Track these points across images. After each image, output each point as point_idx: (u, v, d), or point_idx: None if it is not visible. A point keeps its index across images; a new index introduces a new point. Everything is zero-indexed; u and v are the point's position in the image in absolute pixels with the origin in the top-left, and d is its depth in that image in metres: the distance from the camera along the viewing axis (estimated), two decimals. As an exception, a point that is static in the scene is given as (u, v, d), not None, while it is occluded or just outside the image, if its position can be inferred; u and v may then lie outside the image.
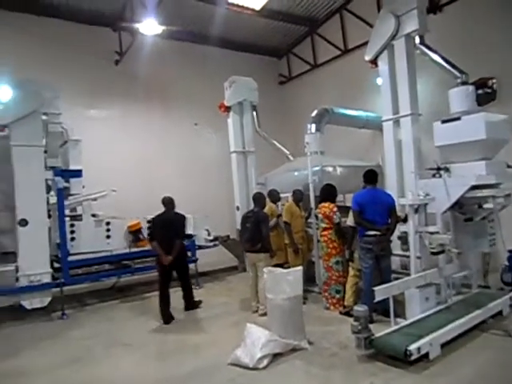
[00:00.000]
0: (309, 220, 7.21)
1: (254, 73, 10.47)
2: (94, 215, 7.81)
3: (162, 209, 6.56)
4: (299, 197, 7.19)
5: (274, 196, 7.63)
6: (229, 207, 9.85)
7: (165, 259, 6.14)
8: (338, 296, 6.20)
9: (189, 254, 7.62)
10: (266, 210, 6.88)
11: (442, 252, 5.07)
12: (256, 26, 12.37)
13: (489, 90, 7.25)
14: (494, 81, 7.43)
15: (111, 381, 4.36)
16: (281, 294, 4.79)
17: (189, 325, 6.02)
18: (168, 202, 6.56)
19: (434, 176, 5.54)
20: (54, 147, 7.20)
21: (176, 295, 6.62)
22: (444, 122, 5.57)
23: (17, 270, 6.38)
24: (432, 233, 5.10)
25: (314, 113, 9.01)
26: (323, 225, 6.38)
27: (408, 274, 5.42)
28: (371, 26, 9.42)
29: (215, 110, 9.70)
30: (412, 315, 5.02)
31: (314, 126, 8.77)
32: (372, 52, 6.81)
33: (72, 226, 7.31)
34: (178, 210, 6.72)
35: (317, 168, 7.34)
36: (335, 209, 6.32)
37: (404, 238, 5.73)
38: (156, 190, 10.57)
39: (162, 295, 6.25)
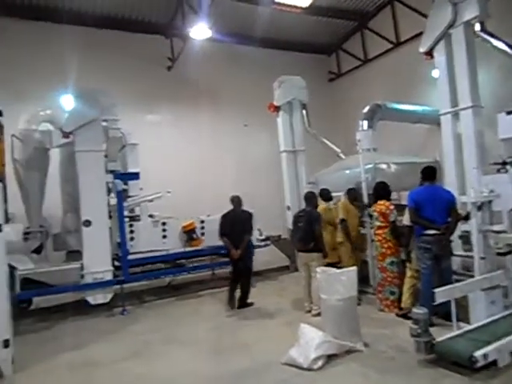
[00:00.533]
0: (361, 219, 7.04)
1: (302, 71, 10.41)
2: (151, 216, 8.14)
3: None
4: (354, 195, 7.04)
5: (326, 195, 7.52)
6: (279, 207, 9.85)
7: (234, 253, 6.66)
8: (392, 298, 5.99)
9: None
10: (318, 209, 6.80)
11: (510, 253, 4.73)
12: (303, 23, 12.28)
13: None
14: None
15: (168, 376, 4.50)
16: (335, 294, 4.72)
17: (242, 323, 6.09)
18: (236, 201, 7.00)
19: (498, 171, 5.18)
20: (113, 152, 7.58)
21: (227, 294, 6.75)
22: (509, 113, 5.19)
23: (82, 268, 6.78)
24: (498, 232, 4.77)
25: (366, 109, 8.78)
26: (378, 223, 6.19)
27: (470, 276, 5.12)
28: (425, 16, 9.00)
29: (264, 110, 9.74)
30: (476, 319, 4.72)
31: (365, 122, 8.55)
32: (427, 43, 6.50)
33: (131, 226, 7.66)
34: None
35: (369, 166, 7.13)
36: (392, 206, 6.12)
37: (466, 238, 5.42)
38: (207, 191, 10.97)
39: (231, 283, 6.86)
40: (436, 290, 4.29)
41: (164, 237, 7.95)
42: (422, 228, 5.32)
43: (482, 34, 5.90)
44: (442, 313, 5.11)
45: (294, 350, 4.42)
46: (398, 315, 5.75)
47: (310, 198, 6.66)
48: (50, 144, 7.53)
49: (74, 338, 5.81)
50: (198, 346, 5.29)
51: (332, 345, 4.44)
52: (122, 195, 7.43)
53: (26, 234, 7.30)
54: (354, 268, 4.93)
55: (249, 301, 6.91)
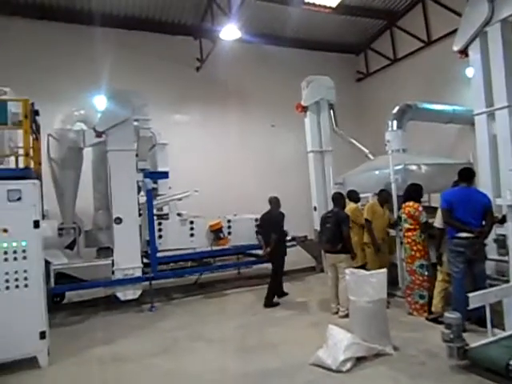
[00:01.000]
0: (391, 222, 6.93)
1: (330, 71, 10.33)
2: (179, 214, 8.25)
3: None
4: (385, 197, 6.92)
5: (354, 196, 7.44)
6: (306, 207, 9.81)
7: (264, 250, 7.21)
8: (421, 301, 5.87)
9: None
10: (346, 210, 6.74)
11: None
12: (332, 23, 12.21)
13: None
14: None
15: (196, 372, 4.56)
16: (364, 296, 4.66)
17: (268, 323, 6.09)
18: (273, 201, 7.33)
19: (536, 173, 4.99)
20: (144, 151, 7.72)
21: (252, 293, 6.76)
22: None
23: (113, 264, 6.95)
24: (535, 236, 4.60)
25: (396, 109, 8.63)
26: (407, 225, 6.08)
27: (505, 281, 4.96)
28: (457, 13, 8.81)
29: (292, 110, 9.71)
30: (511, 326, 4.57)
31: (395, 122, 8.40)
32: (462, 41, 6.32)
33: (160, 224, 7.77)
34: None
35: (399, 167, 7.01)
36: (420, 208, 6.00)
37: (501, 241, 5.24)
38: (234, 191, 11.04)
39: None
40: (470, 295, 4.18)
41: (191, 235, 8.04)
42: (454, 230, 5.19)
43: (520, 32, 5.70)
44: (474, 318, 4.99)
45: (322, 351, 4.40)
46: (427, 319, 5.63)
47: (337, 198, 6.60)
48: (83, 143, 7.74)
49: (104, 333, 5.97)
50: (225, 344, 5.33)
51: (361, 347, 4.39)
52: (152, 194, 7.58)
53: (59, 230, 7.58)
54: (384, 270, 4.85)
55: (275, 300, 6.94)
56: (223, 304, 7.31)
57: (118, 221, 7.00)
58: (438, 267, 5.66)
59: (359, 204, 7.49)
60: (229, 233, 8.37)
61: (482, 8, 5.91)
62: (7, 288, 4.67)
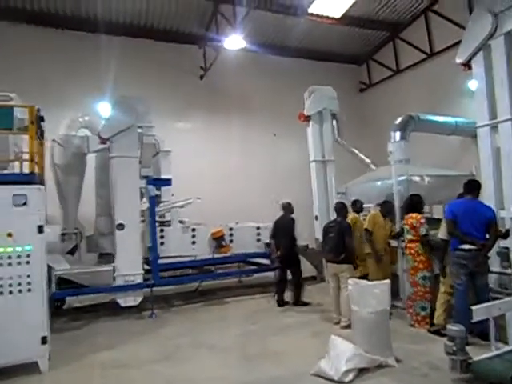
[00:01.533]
0: (392, 233, 6.92)
1: (333, 81, 10.38)
2: (181, 221, 8.26)
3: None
4: (388, 208, 6.90)
5: (356, 206, 7.44)
6: (307, 217, 9.80)
7: (273, 254, 7.54)
8: (423, 313, 5.85)
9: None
10: (348, 219, 6.75)
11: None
12: (335, 34, 12.31)
13: None
14: None
15: (198, 380, 4.55)
16: (366, 307, 4.65)
17: (270, 331, 6.06)
18: (285, 207, 7.66)
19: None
20: (147, 158, 7.74)
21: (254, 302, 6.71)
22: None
23: (114, 271, 6.94)
24: (539, 249, 4.60)
25: (398, 120, 8.67)
26: (409, 236, 6.08)
27: (507, 294, 4.94)
28: (460, 26, 8.89)
29: (294, 119, 9.75)
30: (515, 340, 4.56)
31: (398, 133, 8.43)
32: (465, 54, 6.37)
33: (162, 231, 7.78)
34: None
35: (402, 178, 7.02)
36: (423, 220, 6.00)
37: (504, 254, 5.23)
38: (236, 199, 11.05)
39: (278, 284, 7.61)
40: (474, 308, 4.16)
41: (193, 243, 8.05)
42: (457, 242, 5.18)
43: (524, 46, 5.74)
44: (477, 331, 4.96)
45: (323, 362, 4.38)
46: (430, 331, 5.61)
47: (340, 208, 6.62)
48: (87, 149, 7.78)
49: (105, 339, 5.95)
50: (227, 352, 5.32)
51: (363, 358, 4.37)
52: (155, 200, 7.59)
53: (62, 235, 7.58)
54: (387, 281, 4.84)
55: (305, 300, 7.43)
56: (224, 312, 7.30)
57: (120, 227, 7.00)
58: (441, 279, 5.64)
59: (361, 214, 7.50)
60: (230, 241, 8.36)
61: (485, 21, 5.96)
62: (10, 292, 4.68)
